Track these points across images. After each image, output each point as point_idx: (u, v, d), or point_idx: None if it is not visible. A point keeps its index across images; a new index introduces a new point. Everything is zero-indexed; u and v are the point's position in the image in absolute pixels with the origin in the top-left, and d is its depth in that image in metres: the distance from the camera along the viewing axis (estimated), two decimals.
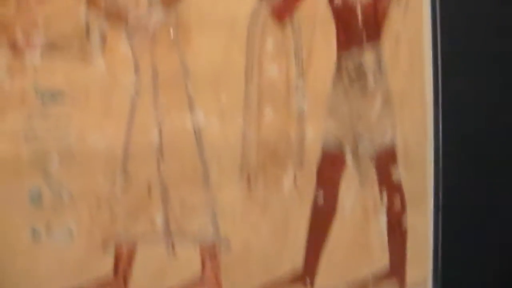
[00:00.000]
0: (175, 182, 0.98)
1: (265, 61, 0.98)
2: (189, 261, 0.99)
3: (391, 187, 1.02)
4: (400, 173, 1.03)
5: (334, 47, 0.98)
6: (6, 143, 0.95)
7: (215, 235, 0.99)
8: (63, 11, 0.99)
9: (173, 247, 0.99)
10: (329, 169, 1.01)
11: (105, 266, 0.98)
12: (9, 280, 0.95)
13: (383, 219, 1.03)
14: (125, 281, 0.98)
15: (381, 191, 1.02)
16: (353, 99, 0.99)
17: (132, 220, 0.98)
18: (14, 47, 0.99)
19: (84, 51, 0.99)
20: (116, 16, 0.98)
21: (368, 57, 0.99)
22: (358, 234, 1.03)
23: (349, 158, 1.01)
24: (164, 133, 0.98)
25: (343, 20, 0.99)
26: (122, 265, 0.98)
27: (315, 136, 1.00)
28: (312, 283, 1.02)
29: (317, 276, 1.02)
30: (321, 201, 1.01)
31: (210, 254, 0.99)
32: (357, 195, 1.02)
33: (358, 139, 1.00)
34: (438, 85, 1.00)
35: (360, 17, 0.99)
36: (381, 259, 1.04)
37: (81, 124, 0.98)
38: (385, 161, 1.02)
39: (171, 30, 0.98)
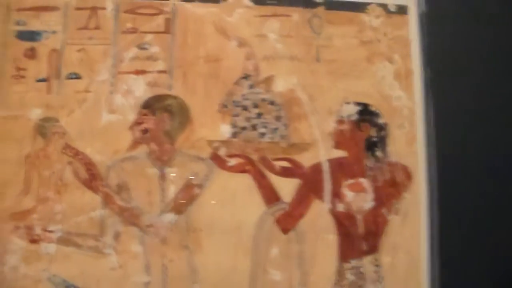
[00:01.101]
0: None
1: (269, 267, 1.03)
2: None
3: None
4: None
5: (336, 256, 1.04)
6: None
7: None
8: (80, 207, 1.05)
9: None
10: None
11: None
12: None
13: None
14: None
15: None
16: None
17: None
18: (31, 236, 1.05)
19: (98, 245, 1.04)
20: (130, 217, 1.04)
21: (367, 267, 1.04)
22: None
23: None
24: None
25: (345, 229, 1.04)
26: None
27: None
28: None
29: None
30: None
31: None
32: None
33: None
34: None
35: (360, 226, 1.04)
36: None
37: None
38: None
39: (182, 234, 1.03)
